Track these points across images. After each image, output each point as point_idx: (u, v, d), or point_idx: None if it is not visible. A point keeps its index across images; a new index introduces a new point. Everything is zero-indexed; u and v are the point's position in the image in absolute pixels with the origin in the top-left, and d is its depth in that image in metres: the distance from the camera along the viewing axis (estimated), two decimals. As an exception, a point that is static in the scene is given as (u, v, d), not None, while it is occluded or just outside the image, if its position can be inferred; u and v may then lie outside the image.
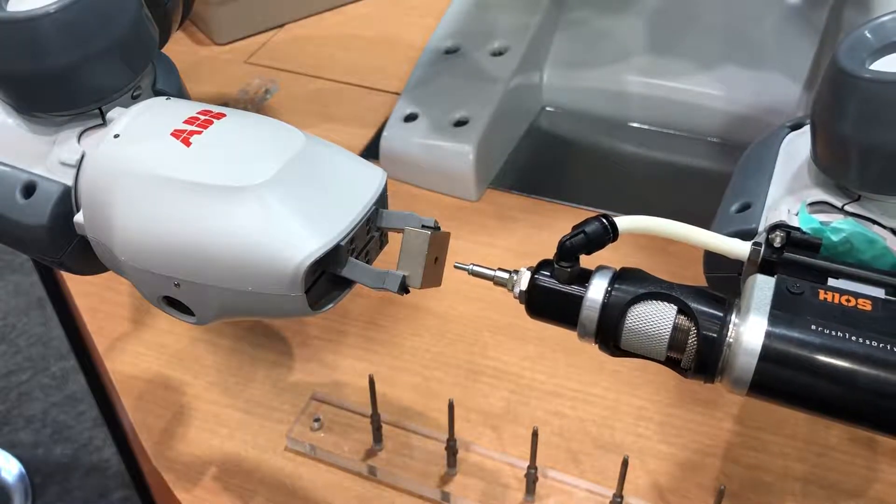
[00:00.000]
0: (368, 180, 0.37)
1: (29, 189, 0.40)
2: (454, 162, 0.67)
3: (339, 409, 0.53)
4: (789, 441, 0.50)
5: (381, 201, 0.38)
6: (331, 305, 0.37)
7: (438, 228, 0.37)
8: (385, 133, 0.70)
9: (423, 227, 0.37)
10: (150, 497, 0.62)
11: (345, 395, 0.54)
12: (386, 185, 0.38)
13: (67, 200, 0.40)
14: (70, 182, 0.40)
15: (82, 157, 0.40)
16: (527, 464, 0.47)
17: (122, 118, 0.39)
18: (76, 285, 0.63)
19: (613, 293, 0.34)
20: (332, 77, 0.82)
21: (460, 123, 0.68)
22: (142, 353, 0.58)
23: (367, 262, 0.38)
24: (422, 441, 0.51)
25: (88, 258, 0.41)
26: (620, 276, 0.35)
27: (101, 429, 1.45)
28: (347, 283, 0.37)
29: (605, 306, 0.34)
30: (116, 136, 0.38)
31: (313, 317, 0.36)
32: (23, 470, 1.39)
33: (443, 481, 0.49)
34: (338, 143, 0.39)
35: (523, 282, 0.36)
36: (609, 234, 0.35)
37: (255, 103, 0.79)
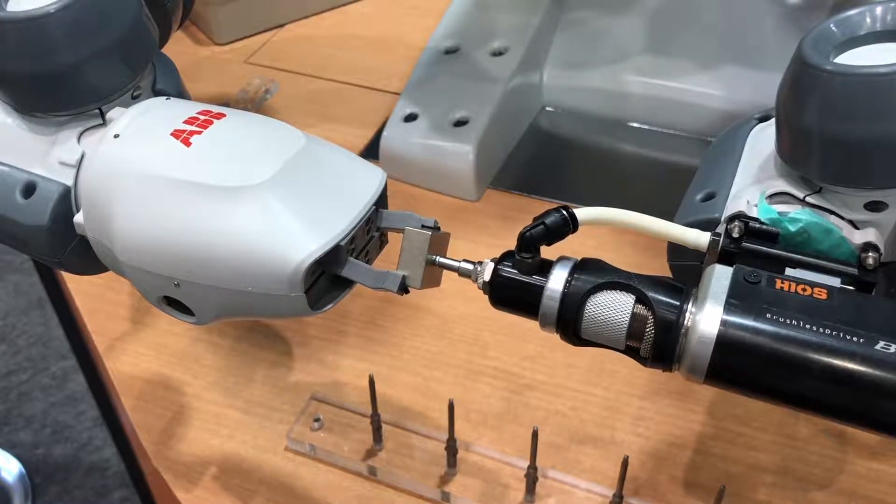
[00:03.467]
0: (368, 180, 0.38)
1: (29, 189, 0.40)
2: (454, 162, 0.67)
3: (339, 409, 0.53)
4: (789, 441, 0.50)
5: (381, 201, 0.38)
6: (331, 305, 0.37)
7: (438, 229, 0.37)
8: (385, 133, 0.70)
9: (423, 227, 0.37)
10: (150, 497, 0.62)
11: (345, 395, 0.54)
12: (386, 185, 0.38)
13: (67, 200, 0.40)
14: (70, 182, 0.40)
15: (82, 157, 0.40)
16: (527, 464, 0.47)
17: (122, 118, 0.39)
18: (76, 285, 0.63)
19: (573, 283, 0.34)
20: (332, 77, 0.82)
21: (460, 123, 0.68)
22: (142, 353, 0.58)
23: (367, 263, 0.38)
24: (422, 441, 0.51)
25: (88, 258, 0.41)
26: (580, 266, 0.35)
27: (101, 429, 1.45)
28: (347, 284, 0.37)
29: (565, 296, 0.34)
30: (116, 136, 0.38)
31: (313, 317, 0.36)
32: (23, 470, 1.39)
33: (443, 481, 0.49)
34: (338, 143, 0.39)
35: (486, 273, 0.36)
36: (569, 224, 0.35)
37: (255, 103, 0.79)
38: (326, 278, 0.36)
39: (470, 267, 0.37)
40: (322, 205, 0.35)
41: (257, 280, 0.34)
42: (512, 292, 0.36)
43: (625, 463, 0.43)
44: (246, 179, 0.35)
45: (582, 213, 0.36)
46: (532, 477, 0.47)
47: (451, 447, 0.48)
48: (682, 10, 0.72)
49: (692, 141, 0.72)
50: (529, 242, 0.35)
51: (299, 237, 0.34)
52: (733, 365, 0.32)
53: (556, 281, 0.34)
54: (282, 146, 0.37)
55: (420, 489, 0.49)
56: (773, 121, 0.41)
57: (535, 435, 0.45)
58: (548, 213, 0.35)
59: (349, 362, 0.56)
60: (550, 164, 0.72)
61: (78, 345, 0.81)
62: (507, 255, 0.36)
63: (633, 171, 0.71)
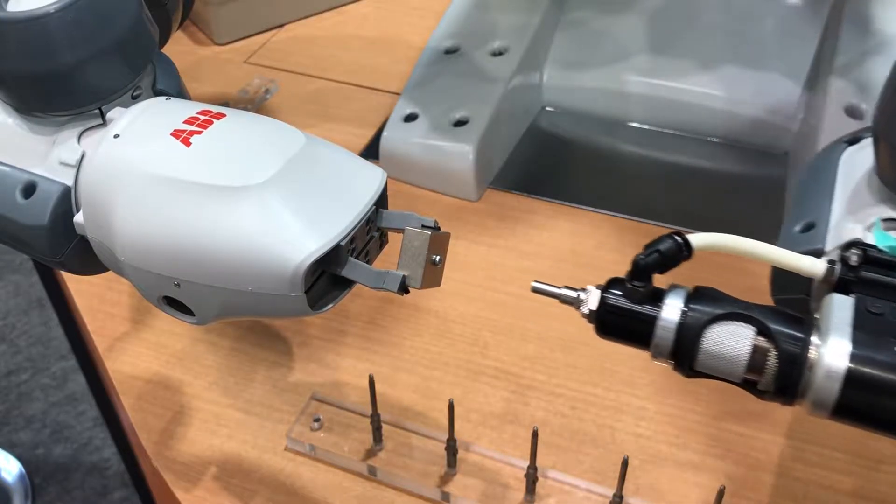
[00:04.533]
0: (368, 180, 0.37)
1: (29, 189, 0.40)
2: (454, 162, 0.67)
3: (339, 409, 0.53)
4: (791, 441, 0.50)
5: (381, 201, 0.38)
6: (331, 305, 0.37)
7: (438, 228, 0.37)
8: (385, 133, 0.70)
9: (423, 227, 0.37)
10: (150, 497, 0.62)
11: (345, 395, 0.54)
12: (386, 184, 0.38)
13: (67, 200, 0.40)
14: (70, 182, 0.40)
15: (82, 157, 0.40)
16: (527, 464, 0.47)
17: (122, 118, 0.39)
18: (76, 285, 0.63)
19: (689, 313, 0.33)
20: (332, 77, 0.82)
21: (460, 123, 0.68)
22: (142, 353, 0.58)
23: (367, 262, 0.38)
24: (422, 441, 0.51)
25: (88, 258, 0.41)
26: (695, 296, 0.34)
27: (101, 429, 1.45)
28: (347, 283, 0.37)
29: (681, 327, 0.33)
30: (116, 136, 0.38)
31: (313, 317, 0.36)
32: (23, 470, 1.39)
33: (443, 481, 0.49)
34: (338, 143, 0.39)
35: (592, 301, 0.35)
36: (683, 251, 0.34)
37: (255, 103, 0.79)
38: (326, 278, 0.36)
39: (573, 295, 0.35)
40: (322, 205, 0.35)
41: (257, 280, 0.34)
42: (622, 322, 0.34)
43: (625, 463, 0.43)
44: (246, 179, 0.35)
45: (696, 239, 0.34)
46: (532, 477, 0.47)
47: (451, 447, 0.48)
48: (683, 10, 0.72)
49: (692, 141, 0.72)
50: (644, 270, 0.34)
51: (299, 237, 0.34)
52: (863, 401, 0.31)
53: (671, 311, 0.33)
54: (282, 146, 0.37)
55: (420, 489, 0.49)
56: (864, 143, 0.40)
57: (535, 435, 0.45)
58: (661, 239, 0.34)
59: (349, 362, 0.56)
60: (550, 164, 0.72)
61: (78, 345, 0.82)
62: (613, 283, 0.35)
63: (633, 171, 0.71)
